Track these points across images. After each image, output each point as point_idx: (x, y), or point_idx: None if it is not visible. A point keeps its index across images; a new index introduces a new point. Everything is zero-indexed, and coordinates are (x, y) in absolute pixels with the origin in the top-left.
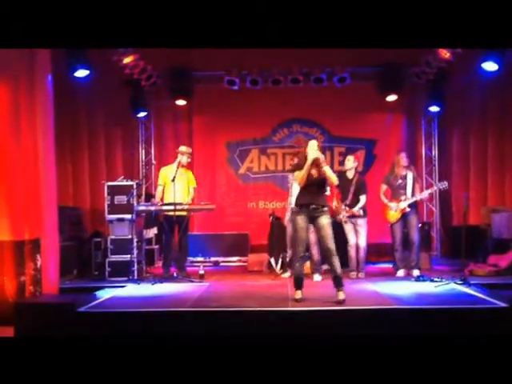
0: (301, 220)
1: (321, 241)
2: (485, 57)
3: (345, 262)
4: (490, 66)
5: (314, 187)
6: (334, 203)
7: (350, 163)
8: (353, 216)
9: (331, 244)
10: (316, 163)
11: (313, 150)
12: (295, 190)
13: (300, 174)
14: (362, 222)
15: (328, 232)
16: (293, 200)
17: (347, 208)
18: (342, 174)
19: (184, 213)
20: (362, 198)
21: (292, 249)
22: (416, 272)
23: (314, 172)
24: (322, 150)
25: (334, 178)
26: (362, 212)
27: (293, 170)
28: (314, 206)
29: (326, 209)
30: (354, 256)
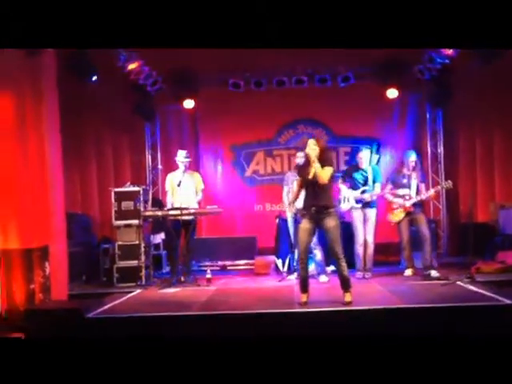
0: (304, 223)
1: (328, 244)
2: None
3: (352, 262)
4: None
5: (314, 188)
6: (344, 192)
7: (368, 155)
8: (362, 203)
9: (338, 248)
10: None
11: (309, 148)
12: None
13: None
14: (372, 214)
15: (334, 235)
16: (286, 199)
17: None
18: (355, 165)
19: (191, 216)
20: (377, 186)
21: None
22: (434, 273)
23: (310, 172)
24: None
25: (323, 176)
26: (374, 198)
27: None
28: (315, 208)
29: (331, 210)
30: (362, 254)
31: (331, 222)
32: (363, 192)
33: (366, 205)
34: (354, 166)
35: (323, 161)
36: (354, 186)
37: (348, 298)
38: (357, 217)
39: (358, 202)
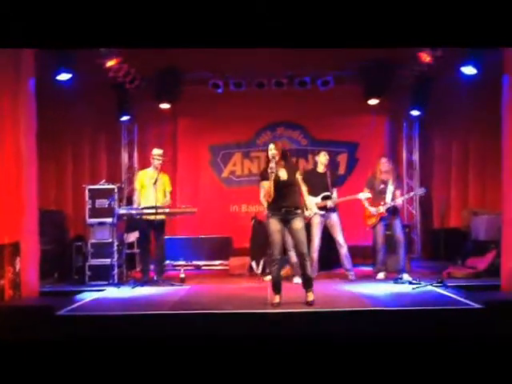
0: (274, 223)
1: (294, 244)
2: (464, 61)
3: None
4: (469, 71)
5: (284, 190)
6: (305, 198)
7: (325, 159)
8: (324, 209)
9: (304, 248)
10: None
11: (271, 156)
12: None
13: (266, 185)
14: (336, 218)
15: (301, 236)
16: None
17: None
18: (312, 170)
19: (161, 216)
20: (335, 191)
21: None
22: (406, 277)
23: (282, 174)
24: (305, 153)
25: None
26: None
27: (261, 180)
28: (285, 208)
29: (299, 211)
30: (316, 259)
31: (299, 224)
32: (325, 198)
33: (329, 210)
34: (310, 170)
35: (287, 164)
36: (312, 192)
37: (310, 297)
38: (316, 222)
39: (320, 208)
